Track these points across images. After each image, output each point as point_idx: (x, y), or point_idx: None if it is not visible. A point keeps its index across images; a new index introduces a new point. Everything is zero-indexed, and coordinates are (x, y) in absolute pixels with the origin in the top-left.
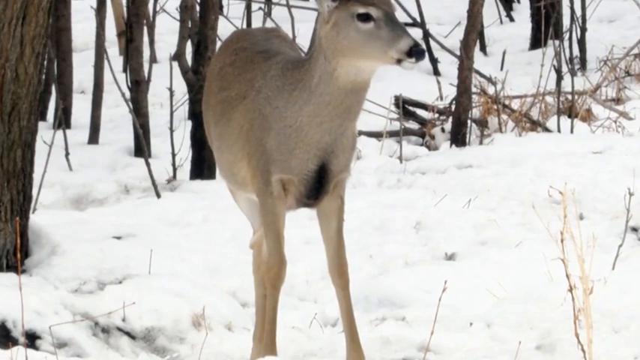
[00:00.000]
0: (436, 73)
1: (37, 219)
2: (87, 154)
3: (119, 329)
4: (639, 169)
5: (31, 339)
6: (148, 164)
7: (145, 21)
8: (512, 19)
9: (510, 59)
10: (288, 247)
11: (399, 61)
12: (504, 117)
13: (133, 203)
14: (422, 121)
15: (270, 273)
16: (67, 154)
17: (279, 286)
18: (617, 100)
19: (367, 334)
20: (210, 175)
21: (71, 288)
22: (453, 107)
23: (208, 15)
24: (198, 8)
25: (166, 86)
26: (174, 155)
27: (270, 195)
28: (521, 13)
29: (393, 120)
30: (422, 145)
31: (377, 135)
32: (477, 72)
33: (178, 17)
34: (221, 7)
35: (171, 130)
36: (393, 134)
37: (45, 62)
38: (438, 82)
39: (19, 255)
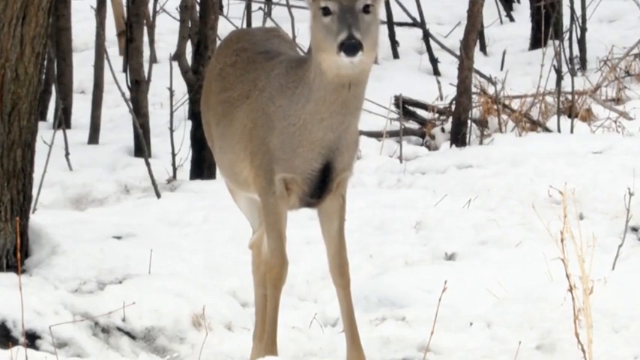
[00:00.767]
0: (436, 73)
1: (37, 219)
2: (87, 154)
3: (119, 329)
4: (639, 169)
5: (31, 339)
6: (148, 164)
7: (145, 21)
8: (512, 19)
9: (510, 59)
10: (288, 247)
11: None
12: (504, 117)
13: (133, 203)
14: (422, 121)
15: (272, 273)
16: (67, 154)
17: (280, 286)
18: (617, 100)
19: (367, 333)
20: (210, 175)
21: (71, 288)
22: (453, 107)
23: (208, 15)
24: (198, 8)
25: (166, 86)
26: (174, 155)
27: (272, 195)
28: (521, 13)
29: (393, 120)
30: (422, 145)
31: (377, 135)
32: (477, 72)
33: (178, 17)
34: (221, 7)
35: (171, 130)
36: (393, 134)
37: (45, 62)
38: (438, 82)
39: (19, 255)
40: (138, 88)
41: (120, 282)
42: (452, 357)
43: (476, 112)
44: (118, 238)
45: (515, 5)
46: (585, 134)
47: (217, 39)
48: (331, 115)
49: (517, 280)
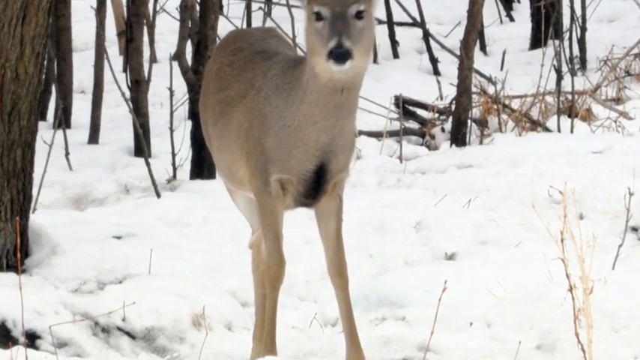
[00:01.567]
0: (436, 72)
1: (37, 219)
2: (87, 154)
3: (119, 329)
4: (639, 169)
5: (31, 339)
6: (148, 164)
7: (144, 21)
8: (512, 19)
9: (510, 59)
10: (287, 247)
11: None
12: (504, 117)
13: (133, 203)
14: (422, 121)
15: (270, 273)
16: (67, 154)
17: (278, 286)
18: (617, 100)
19: (367, 333)
20: (210, 175)
21: (71, 288)
22: (453, 107)
23: (208, 15)
24: (198, 8)
25: (166, 86)
26: (174, 155)
27: (268, 195)
28: (521, 13)
29: (393, 120)
30: (422, 144)
31: (377, 135)
32: (477, 72)
33: (178, 17)
34: (221, 7)
35: (171, 130)
36: (393, 134)
37: (45, 62)
38: (438, 82)
39: (19, 255)
40: (138, 88)
41: (120, 282)
42: (452, 357)
43: (476, 112)
44: (118, 238)
45: (515, 5)
46: (585, 134)
47: (217, 39)
48: (324, 118)
49: (517, 280)
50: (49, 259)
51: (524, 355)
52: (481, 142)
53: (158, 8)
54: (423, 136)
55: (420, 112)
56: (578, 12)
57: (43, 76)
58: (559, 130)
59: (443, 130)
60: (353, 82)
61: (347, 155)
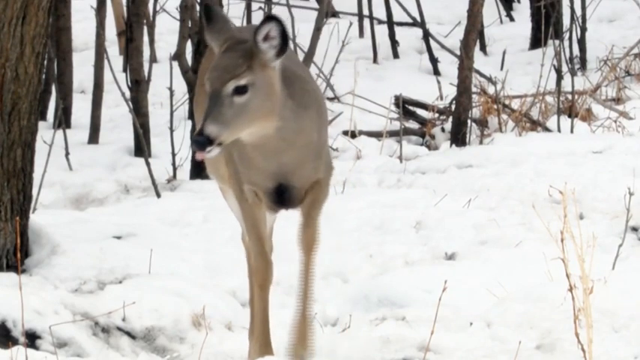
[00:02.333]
0: (436, 72)
1: (37, 219)
2: (87, 154)
3: (119, 329)
4: (639, 169)
5: (31, 339)
6: (148, 164)
7: (144, 21)
8: (512, 19)
9: (510, 59)
10: (287, 247)
11: None
12: (504, 117)
13: (133, 203)
14: (422, 121)
15: (257, 275)
16: (67, 154)
17: (266, 287)
18: (617, 100)
19: (367, 333)
20: None
21: (71, 288)
22: (453, 107)
23: None
24: (198, 8)
25: (166, 86)
26: (174, 155)
27: (245, 201)
28: (521, 13)
29: (393, 120)
30: (422, 144)
31: (377, 135)
32: (477, 72)
33: (178, 17)
34: (221, 7)
35: (172, 130)
36: (393, 134)
37: (45, 62)
38: (438, 82)
39: (19, 255)
40: (138, 87)
41: (120, 282)
42: (452, 357)
43: (476, 112)
44: (118, 238)
45: (515, 5)
46: (585, 134)
47: None
48: (265, 158)
49: (517, 280)
50: (49, 259)
51: (524, 355)
52: (481, 142)
53: (158, 8)
54: (423, 136)
55: (420, 112)
56: (578, 12)
57: (43, 76)
58: (559, 130)
59: (443, 130)
60: (276, 145)
61: (312, 165)
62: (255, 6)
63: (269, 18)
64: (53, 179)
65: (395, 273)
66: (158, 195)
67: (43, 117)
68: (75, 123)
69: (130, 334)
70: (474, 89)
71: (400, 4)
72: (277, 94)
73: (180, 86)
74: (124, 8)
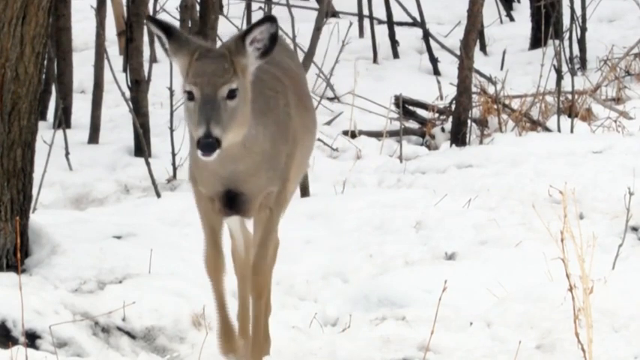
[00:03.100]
0: (436, 72)
1: (37, 218)
2: (87, 154)
3: (119, 329)
4: (639, 169)
5: (31, 338)
6: (148, 164)
7: (145, 21)
8: (512, 19)
9: (510, 59)
10: (287, 247)
11: None
12: (504, 117)
13: (133, 203)
14: (422, 121)
15: (207, 264)
16: (67, 154)
17: (219, 278)
18: (617, 100)
19: (367, 333)
20: None
21: (71, 288)
22: (453, 107)
23: (208, 15)
24: (198, 8)
25: (166, 86)
26: (174, 155)
27: (200, 199)
28: (521, 13)
29: (393, 120)
30: (422, 144)
31: (377, 135)
32: (477, 72)
33: (178, 17)
34: (221, 7)
35: (172, 130)
36: (393, 134)
37: (45, 62)
38: (438, 82)
39: (19, 254)
40: (138, 87)
41: (120, 282)
42: (452, 357)
43: (476, 112)
44: (118, 237)
45: (515, 5)
46: (585, 134)
47: (217, 39)
48: (222, 164)
49: (517, 280)
50: (49, 259)
51: (524, 355)
52: (481, 142)
53: (158, 8)
54: (423, 136)
55: (420, 112)
56: (578, 12)
57: (43, 76)
58: (559, 130)
59: (443, 130)
60: (237, 152)
61: (268, 176)
62: (255, 6)
63: (264, 19)
64: (53, 179)
65: (395, 273)
66: (158, 195)
67: (43, 117)
68: (75, 123)
69: (130, 334)
70: (474, 89)
71: (400, 4)
72: (249, 99)
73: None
74: (124, 8)
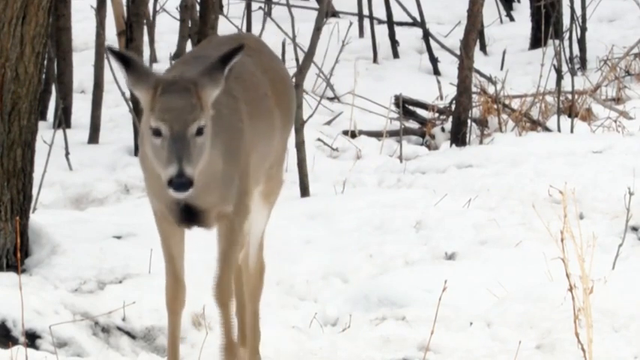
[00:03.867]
0: (436, 72)
1: (37, 218)
2: (87, 154)
3: (119, 329)
4: (639, 169)
5: (31, 338)
6: None
7: (144, 20)
8: (512, 19)
9: (510, 59)
10: (287, 247)
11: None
12: (504, 117)
13: (133, 203)
14: (422, 121)
15: (166, 294)
16: (67, 154)
17: (177, 310)
18: (617, 100)
19: (367, 333)
20: None
21: (71, 287)
22: (453, 107)
23: (208, 14)
24: (198, 8)
25: None
26: None
27: (155, 215)
28: (521, 13)
29: (393, 119)
30: (422, 144)
31: (377, 134)
32: (477, 71)
33: (178, 17)
34: (221, 7)
35: None
36: (393, 134)
37: (45, 62)
38: (438, 82)
39: (19, 254)
40: None
41: (120, 282)
42: (452, 357)
43: (476, 112)
44: (118, 237)
45: (515, 5)
46: (585, 134)
47: None
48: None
49: (517, 280)
50: (49, 259)
51: (524, 355)
52: (481, 142)
53: (158, 8)
54: (423, 135)
55: (420, 111)
56: (578, 12)
57: (43, 76)
58: (559, 130)
59: (443, 129)
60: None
61: (221, 194)
62: (255, 6)
63: (240, 47)
64: (53, 179)
65: (395, 273)
66: None
67: (43, 117)
68: (75, 123)
69: (130, 334)
70: (474, 89)
71: (400, 4)
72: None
73: None
74: (124, 8)
